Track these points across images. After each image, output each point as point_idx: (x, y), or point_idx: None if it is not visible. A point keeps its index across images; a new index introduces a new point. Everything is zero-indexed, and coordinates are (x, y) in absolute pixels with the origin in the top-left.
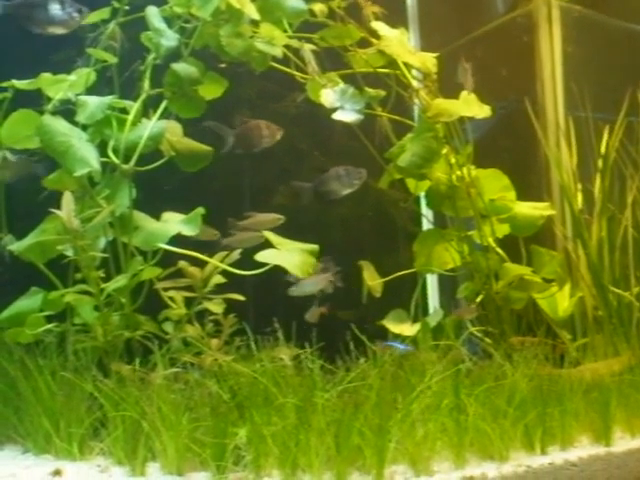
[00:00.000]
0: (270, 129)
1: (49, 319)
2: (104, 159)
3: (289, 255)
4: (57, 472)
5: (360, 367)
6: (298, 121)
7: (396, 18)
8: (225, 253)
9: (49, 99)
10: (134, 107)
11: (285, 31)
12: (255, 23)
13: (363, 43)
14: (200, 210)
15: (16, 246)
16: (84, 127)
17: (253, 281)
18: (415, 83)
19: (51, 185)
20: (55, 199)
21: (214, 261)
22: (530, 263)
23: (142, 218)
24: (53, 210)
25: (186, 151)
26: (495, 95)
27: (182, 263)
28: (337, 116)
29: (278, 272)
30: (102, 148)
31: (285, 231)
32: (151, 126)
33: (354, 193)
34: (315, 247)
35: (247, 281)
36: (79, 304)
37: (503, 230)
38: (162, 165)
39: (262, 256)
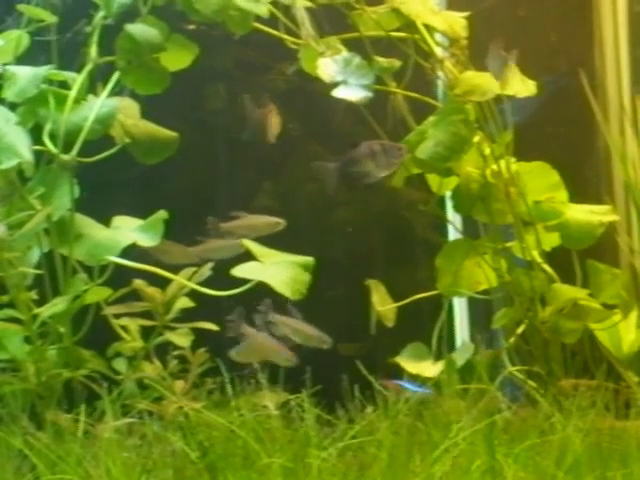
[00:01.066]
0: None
1: None
2: (38, 147)
3: (276, 270)
4: None
5: (367, 418)
6: (288, 99)
7: None
8: (193, 269)
9: None
10: (77, 80)
11: None
12: None
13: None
14: (162, 214)
15: None
16: (13, 106)
17: (229, 305)
18: (439, 51)
19: None
20: None
21: (180, 279)
22: (586, 284)
23: (87, 224)
24: None
25: (145, 137)
26: (542, 67)
27: (138, 282)
28: (338, 93)
29: (261, 292)
30: (36, 133)
31: (271, 241)
32: (99, 105)
33: (362, 194)
34: (309, 260)
35: (222, 305)
36: (5, 335)
37: (552, 241)
38: (113, 155)
39: (241, 271)
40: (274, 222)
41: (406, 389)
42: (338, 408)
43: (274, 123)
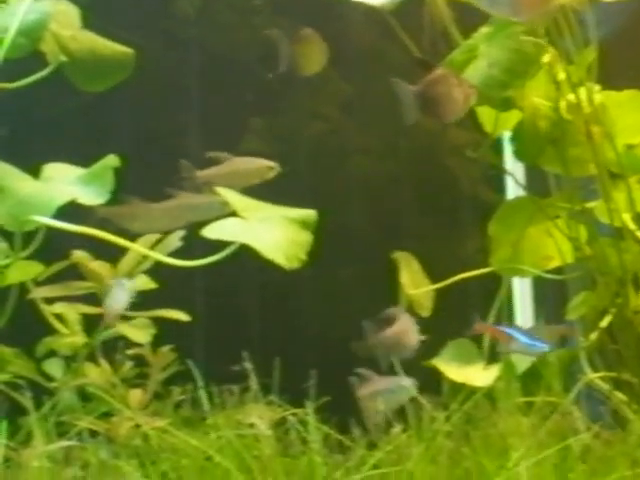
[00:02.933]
0: None
1: None
2: None
3: (263, 228)
4: None
5: (394, 440)
6: (287, 7)
7: None
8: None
9: None
10: None
11: None
12: None
13: None
14: (112, 160)
15: None
16: None
17: (206, 284)
18: None
19: None
20: None
21: (138, 247)
22: None
23: (8, 174)
24: None
25: (88, 55)
26: None
27: (78, 254)
28: None
29: (249, 263)
30: None
31: (265, 195)
32: (25, 10)
33: (386, 135)
34: (309, 213)
35: (195, 284)
36: None
37: None
38: (45, 80)
39: (215, 231)
40: (265, 166)
41: (516, 339)
42: (354, 427)
43: (317, 59)
